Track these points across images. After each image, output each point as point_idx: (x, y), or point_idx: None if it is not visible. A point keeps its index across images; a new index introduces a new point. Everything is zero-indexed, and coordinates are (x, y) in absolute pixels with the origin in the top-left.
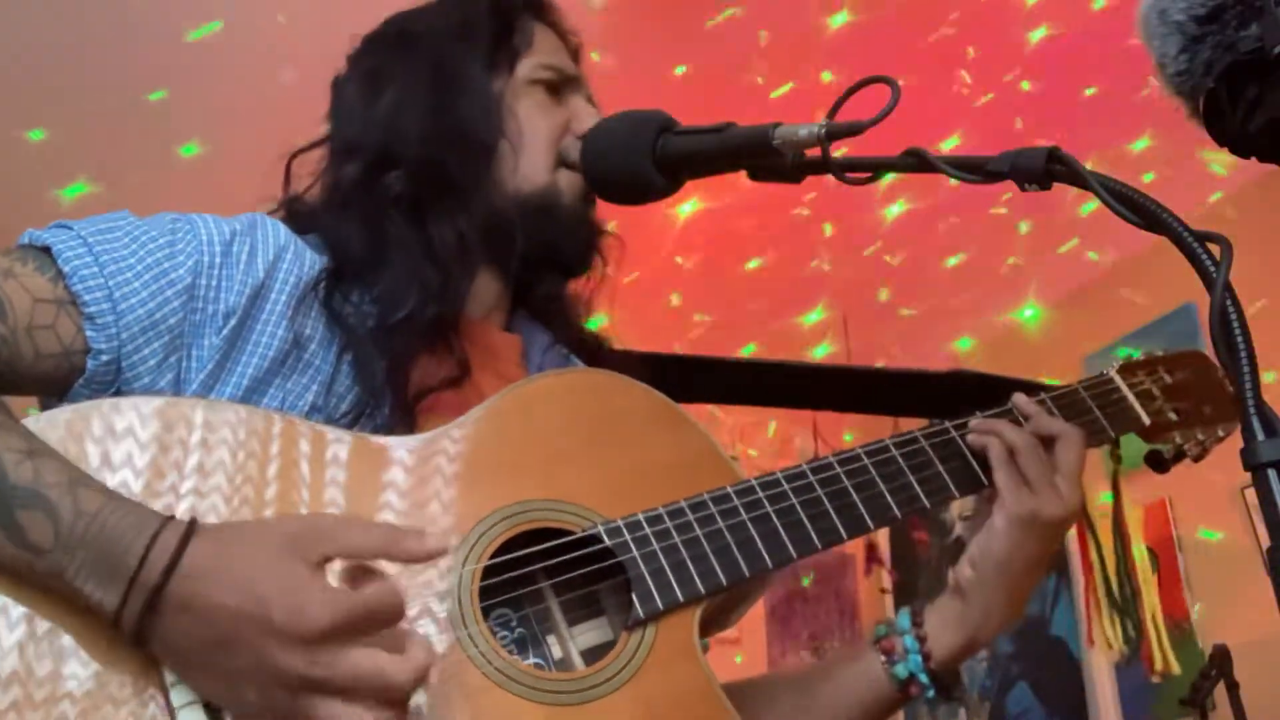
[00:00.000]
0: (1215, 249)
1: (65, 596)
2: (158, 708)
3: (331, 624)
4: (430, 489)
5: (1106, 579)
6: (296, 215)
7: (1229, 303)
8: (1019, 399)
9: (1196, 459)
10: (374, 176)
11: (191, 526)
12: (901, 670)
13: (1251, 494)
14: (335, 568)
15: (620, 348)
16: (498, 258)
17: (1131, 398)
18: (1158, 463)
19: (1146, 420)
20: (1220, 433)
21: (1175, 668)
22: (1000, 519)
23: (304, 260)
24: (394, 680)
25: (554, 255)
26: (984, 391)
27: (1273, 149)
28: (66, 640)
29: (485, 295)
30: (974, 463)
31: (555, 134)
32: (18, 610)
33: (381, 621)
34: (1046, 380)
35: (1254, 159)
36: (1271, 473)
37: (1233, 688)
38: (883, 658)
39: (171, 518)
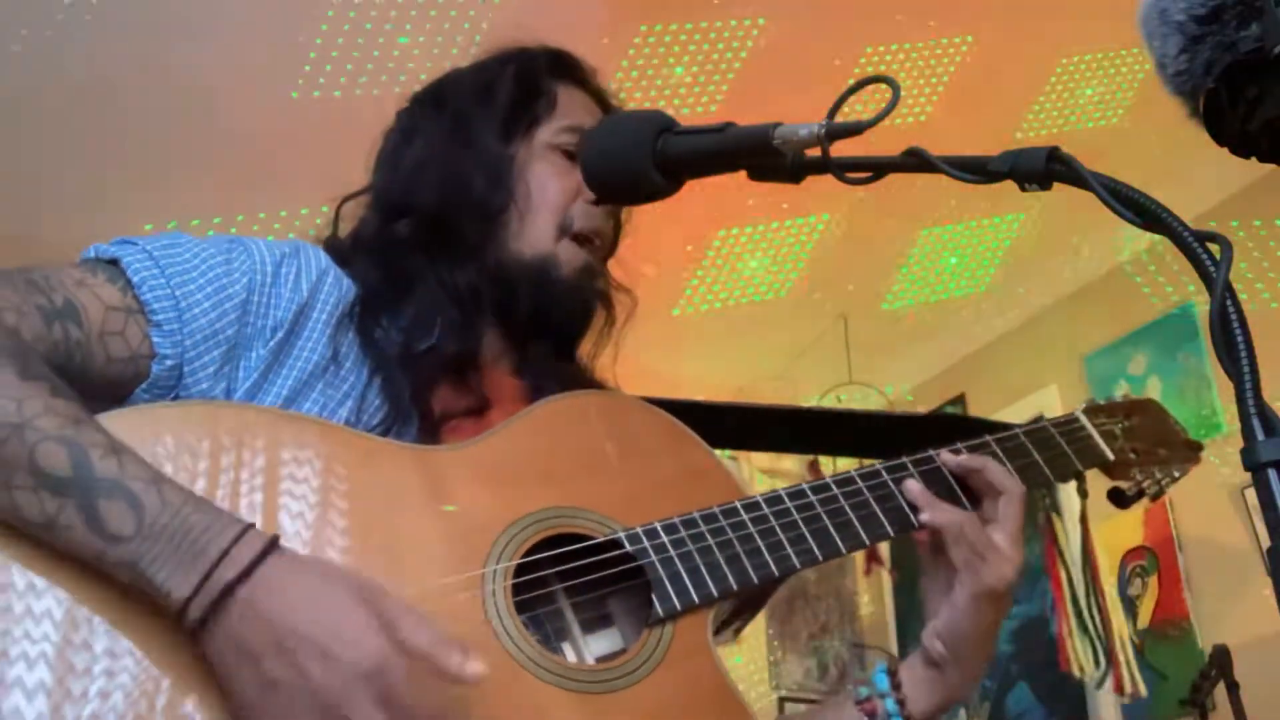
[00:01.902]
0: (1215, 249)
1: (129, 586)
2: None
3: (379, 672)
4: (465, 493)
5: (1078, 609)
6: (333, 251)
7: (1229, 303)
8: (946, 459)
9: (1154, 498)
10: (388, 223)
11: (275, 539)
12: None
13: (1251, 494)
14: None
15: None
16: (502, 312)
17: (1096, 435)
18: (1119, 499)
19: (1110, 456)
20: (1175, 473)
21: (1143, 691)
22: (962, 596)
23: (342, 285)
24: None
25: (546, 320)
26: (961, 433)
27: (1273, 149)
28: (110, 635)
29: (493, 344)
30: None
31: (564, 200)
32: (67, 600)
33: (416, 710)
34: (1051, 377)
35: (1254, 159)
36: (1271, 473)
37: (1233, 688)
38: (865, 719)
39: (253, 525)
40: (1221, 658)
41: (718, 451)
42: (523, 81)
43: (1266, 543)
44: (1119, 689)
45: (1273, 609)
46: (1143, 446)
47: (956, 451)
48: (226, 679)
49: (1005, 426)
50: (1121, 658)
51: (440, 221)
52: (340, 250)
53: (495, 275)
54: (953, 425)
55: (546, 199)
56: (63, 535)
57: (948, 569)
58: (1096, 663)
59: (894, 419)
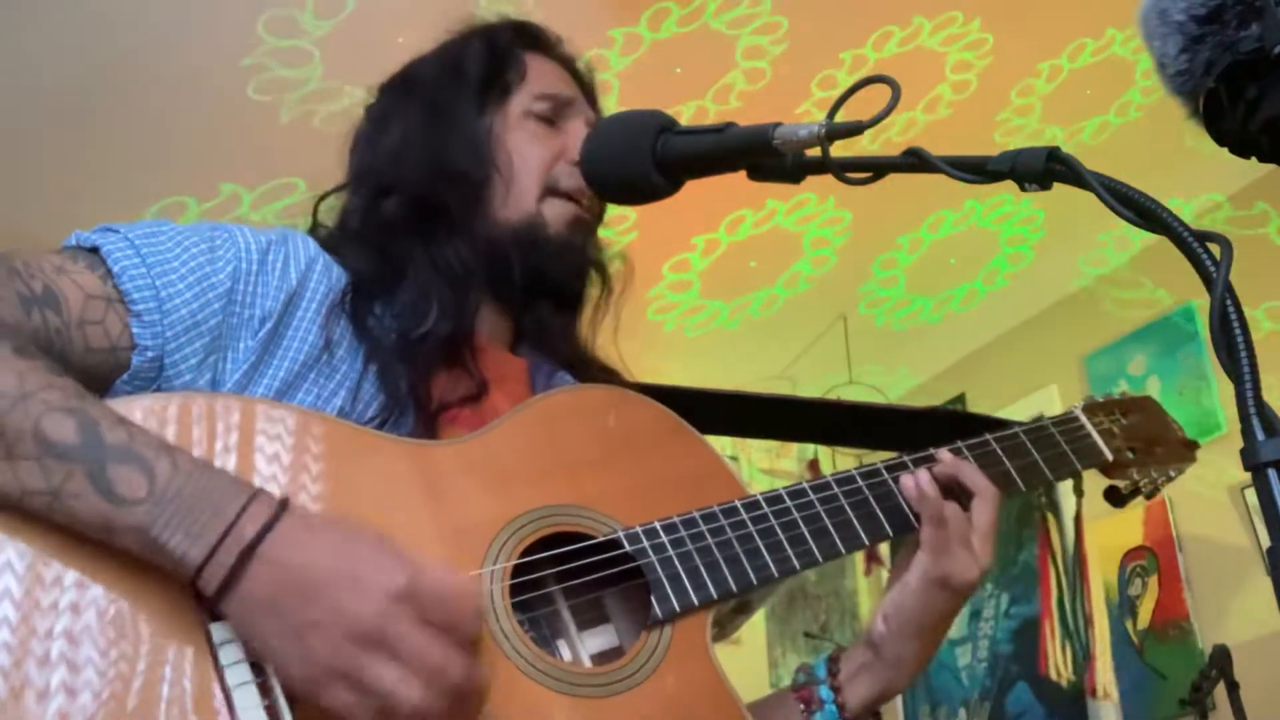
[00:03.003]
0: (1215, 249)
1: (138, 552)
2: (206, 665)
3: (411, 584)
4: (462, 491)
5: (1064, 610)
6: (319, 243)
7: (1229, 303)
8: (944, 456)
9: (1149, 496)
10: (375, 206)
11: (286, 500)
12: (820, 719)
13: (1251, 494)
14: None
15: (623, 378)
16: (496, 285)
17: (1095, 435)
18: (1115, 498)
19: (1109, 456)
20: (1171, 473)
21: (1114, 696)
22: (915, 577)
23: (332, 273)
24: (454, 674)
25: (541, 283)
26: (958, 428)
27: (1273, 149)
28: (115, 602)
29: (489, 321)
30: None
31: (546, 163)
32: (68, 573)
33: (456, 618)
34: (1051, 377)
35: (1254, 159)
36: (1271, 473)
37: (1233, 688)
38: (801, 706)
39: (263, 490)
40: (1221, 658)
41: (717, 443)
42: (490, 53)
43: (1266, 543)
44: (1093, 691)
45: (1273, 609)
46: (1140, 445)
47: (957, 450)
48: (258, 637)
49: (1005, 424)
50: (1099, 660)
51: (426, 199)
52: (327, 241)
53: (485, 248)
54: (953, 421)
55: (528, 165)
56: (67, 505)
57: (925, 554)
58: (1075, 667)
59: (893, 412)
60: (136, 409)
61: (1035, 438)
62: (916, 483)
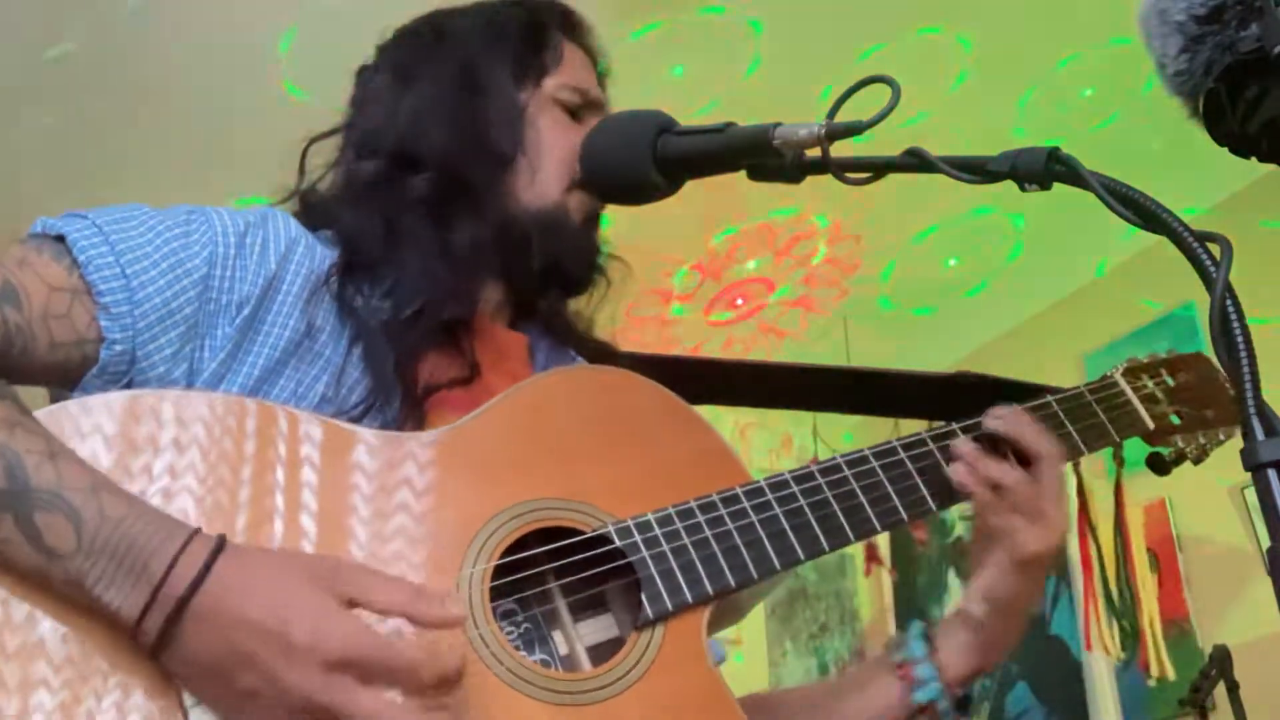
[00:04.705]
0: (1215, 249)
1: (82, 605)
2: None
3: (347, 655)
4: (441, 486)
5: (1105, 583)
6: (309, 206)
7: (1229, 303)
8: (990, 422)
9: (1196, 461)
10: (394, 175)
11: (221, 541)
12: (922, 696)
13: (1251, 494)
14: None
15: (617, 351)
16: (506, 267)
17: (1135, 401)
18: (1158, 465)
19: (1150, 424)
20: (1221, 436)
21: (1171, 673)
22: (1006, 560)
23: (315, 254)
24: None
25: (556, 272)
26: (989, 393)
27: (1272, 149)
28: (86, 651)
29: (491, 299)
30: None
31: (572, 153)
32: (38, 618)
33: (401, 678)
34: (1050, 377)
35: (1254, 159)
36: (1271, 473)
37: (1233, 688)
38: (902, 683)
39: (199, 530)
40: (1221, 658)
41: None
42: (535, 28)
43: (1266, 543)
44: (1145, 669)
45: (1273, 609)
46: (1187, 409)
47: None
48: (200, 694)
49: (1035, 390)
50: (1150, 639)
51: (450, 172)
52: (316, 203)
53: (500, 230)
54: (981, 387)
55: (556, 153)
56: (4, 550)
57: (997, 530)
58: (1124, 643)
59: (916, 379)
60: (103, 410)
61: (1070, 408)
62: (978, 461)
